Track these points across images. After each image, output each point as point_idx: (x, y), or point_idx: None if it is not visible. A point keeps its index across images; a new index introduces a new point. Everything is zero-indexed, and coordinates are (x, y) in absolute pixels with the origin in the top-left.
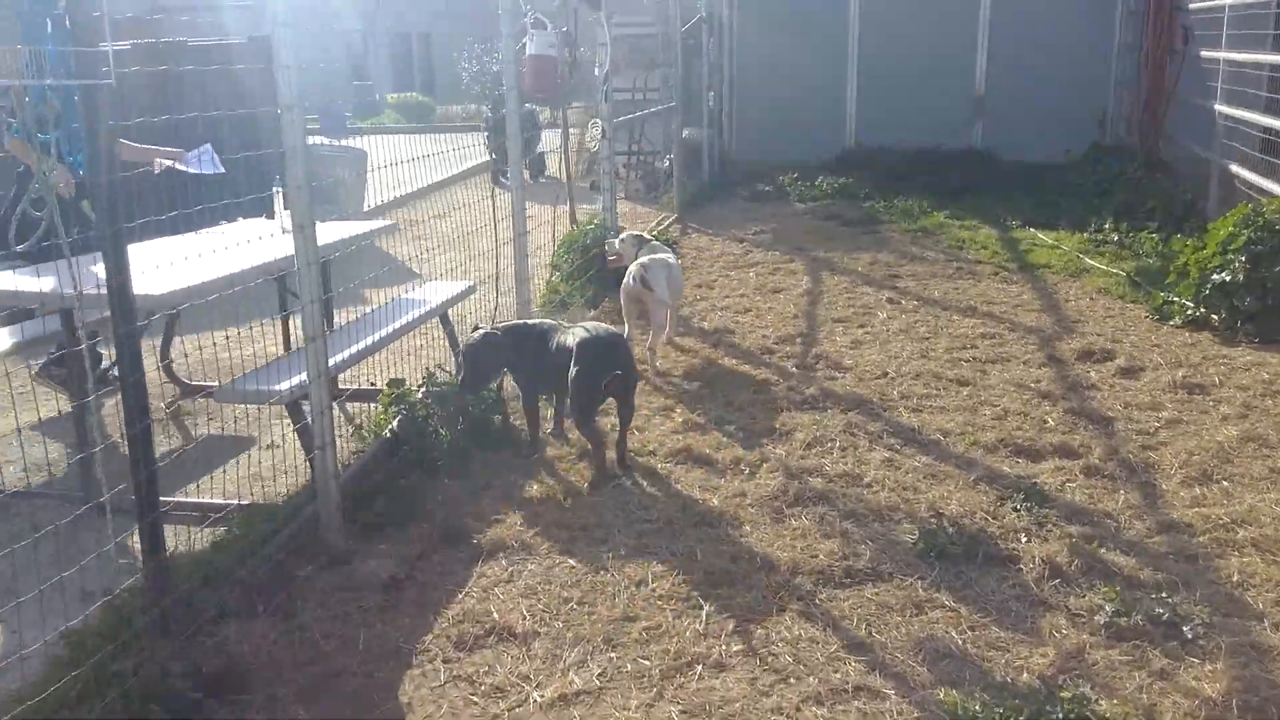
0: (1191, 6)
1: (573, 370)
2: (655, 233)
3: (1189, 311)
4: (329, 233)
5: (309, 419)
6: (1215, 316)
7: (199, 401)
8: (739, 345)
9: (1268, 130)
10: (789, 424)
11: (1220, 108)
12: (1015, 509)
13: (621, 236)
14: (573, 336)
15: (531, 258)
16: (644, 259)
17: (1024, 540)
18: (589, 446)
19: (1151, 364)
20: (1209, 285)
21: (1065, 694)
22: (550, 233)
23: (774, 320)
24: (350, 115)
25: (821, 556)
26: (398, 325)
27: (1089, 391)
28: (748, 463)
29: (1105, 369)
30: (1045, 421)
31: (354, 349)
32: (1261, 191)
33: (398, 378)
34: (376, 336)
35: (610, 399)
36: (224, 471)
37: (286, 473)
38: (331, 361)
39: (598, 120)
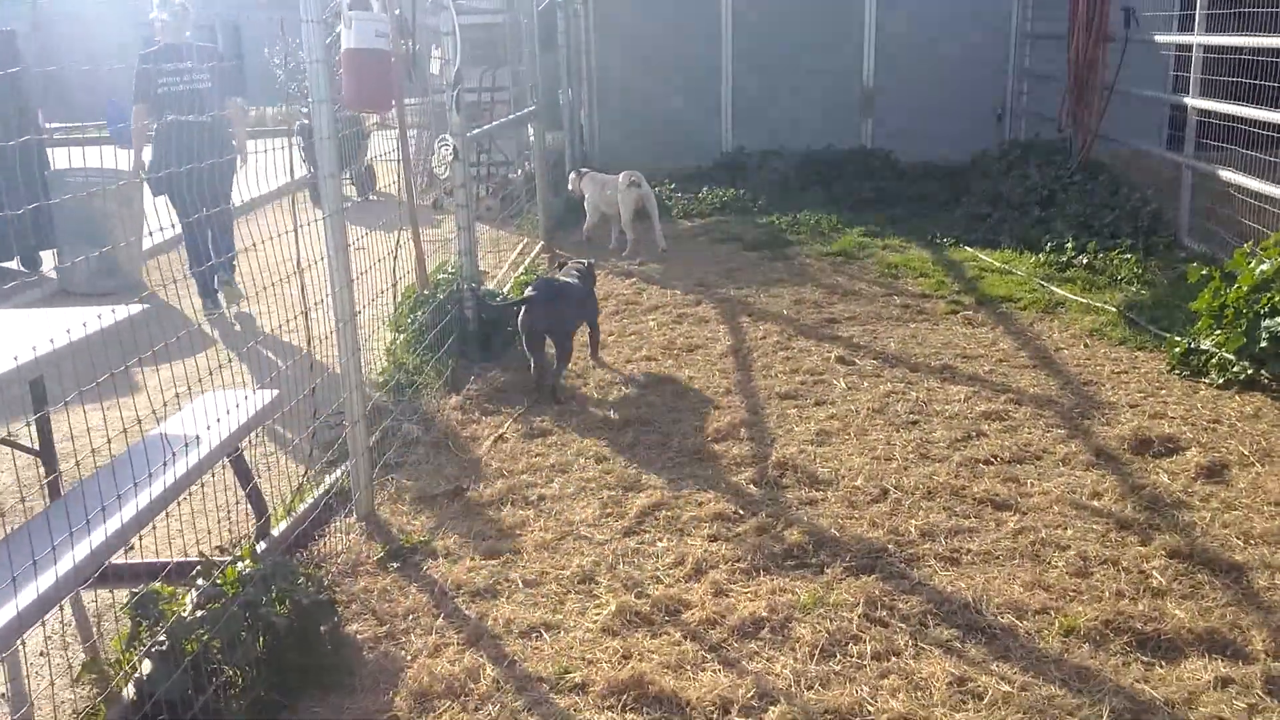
0: None
1: None
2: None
3: (1234, 369)
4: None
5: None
6: (1266, 374)
7: None
8: (666, 444)
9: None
10: (779, 605)
11: (1194, 102)
12: None
13: (570, 175)
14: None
15: (369, 309)
16: (625, 173)
17: None
18: None
19: (1235, 456)
20: (1261, 334)
21: None
22: (395, 269)
23: (701, 400)
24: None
25: None
26: (162, 489)
27: (1179, 512)
28: (741, 705)
29: (1178, 468)
30: (1149, 575)
31: (90, 543)
32: (1273, 202)
33: (153, 588)
34: (127, 516)
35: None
36: None
37: None
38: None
39: (446, 138)
